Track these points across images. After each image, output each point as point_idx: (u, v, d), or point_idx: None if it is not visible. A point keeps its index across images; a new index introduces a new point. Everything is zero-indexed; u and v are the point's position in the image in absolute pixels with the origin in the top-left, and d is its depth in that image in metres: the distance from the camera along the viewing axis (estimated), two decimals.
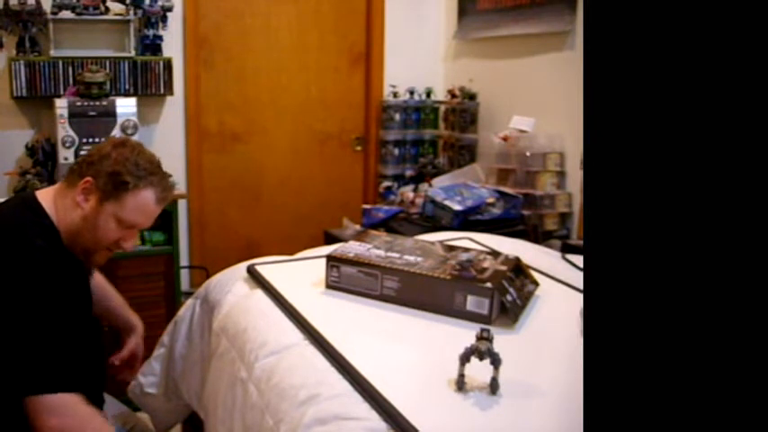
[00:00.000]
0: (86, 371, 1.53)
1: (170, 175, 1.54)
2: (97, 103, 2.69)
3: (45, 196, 1.47)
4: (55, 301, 1.37)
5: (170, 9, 2.98)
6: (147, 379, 1.87)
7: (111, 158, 1.43)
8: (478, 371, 1.20)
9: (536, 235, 2.66)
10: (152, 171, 1.46)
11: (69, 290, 1.44)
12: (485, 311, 1.46)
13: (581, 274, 1.82)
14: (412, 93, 3.55)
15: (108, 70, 2.82)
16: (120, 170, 1.42)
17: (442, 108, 3.56)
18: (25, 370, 1.31)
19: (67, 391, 1.33)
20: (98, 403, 1.62)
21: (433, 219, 2.71)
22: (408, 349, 1.37)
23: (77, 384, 1.36)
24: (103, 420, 1.41)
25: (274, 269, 1.76)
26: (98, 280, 1.73)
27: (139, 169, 1.43)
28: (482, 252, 1.72)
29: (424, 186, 3.11)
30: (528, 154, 2.78)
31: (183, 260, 3.18)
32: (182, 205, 3.14)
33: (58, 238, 1.43)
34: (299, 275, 1.74)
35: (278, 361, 1.34)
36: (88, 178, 1.43)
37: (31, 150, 2.82)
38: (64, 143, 2.63)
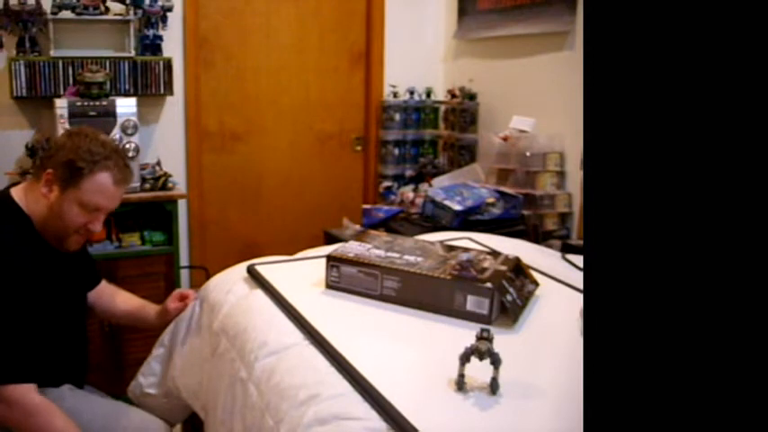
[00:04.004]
0: (64, 353, 1.57)
1: (133, 160, 1.60)
2: (97, 103, 2.69)
3: (18, 191, 1.56)
4: (16, 290, 1.39)
5: (170, 9, 2.98)
6: (147, 379, 1.87)
7: (65, 148, 1.51)
8: (478, 371, 1.20)
9: (536, 235, 2.65)
10: (106, 155, 1.52)
11: (38, 276, 1.47)
12: (485, 311, 1.46)
13: (581, 274, 1.82)
14: (412, 93, 3.55)
15: (108, 70, 2.82)
16: (74, 158, 1.49)
17: (442, 108, 3.56)
18: None
19: (19, 381, 1.37)
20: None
21: (433, 219, 2.71)
22: (408, 349, 1.37)
23: (31, 374, 1.39)
24: (52, 413, 1.41)
25: (274, 269, 1.76)
26: (108, 290, 1.83)
27: (93, 155, 1.50)
28: (482, 252, 1.72)
29: (424, 186, 3.11)
30: (528, 154, 2.77)
31: (183, 260, 3.18)
32: (182, 205, 3.14)
33: (30, 225, 1.50)
34: (299, 275, 1.73)
35: (278, 361, 1.34)
36: (49, 170, 1.50)
37: (31, 150, 2.82)
38: None
